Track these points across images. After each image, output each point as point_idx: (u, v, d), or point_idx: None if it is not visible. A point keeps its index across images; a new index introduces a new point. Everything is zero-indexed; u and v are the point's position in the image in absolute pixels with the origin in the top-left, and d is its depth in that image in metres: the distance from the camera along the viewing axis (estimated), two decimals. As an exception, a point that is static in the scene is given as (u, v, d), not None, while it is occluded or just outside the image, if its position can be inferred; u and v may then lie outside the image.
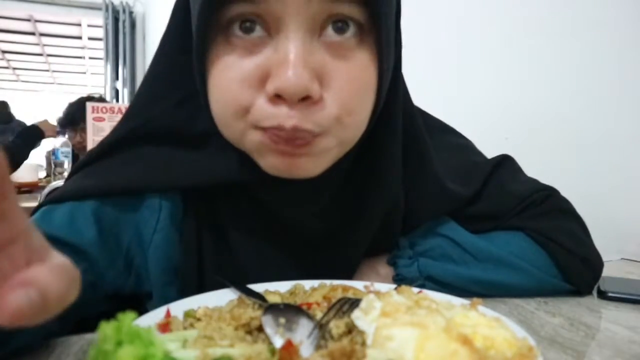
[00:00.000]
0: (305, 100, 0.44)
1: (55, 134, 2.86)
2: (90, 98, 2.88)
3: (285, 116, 0.44)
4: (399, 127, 0.59)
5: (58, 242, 0.53)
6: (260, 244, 0.60)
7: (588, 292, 0.68)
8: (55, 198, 0.57)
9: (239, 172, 0.55)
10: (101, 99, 3.15)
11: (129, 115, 0.60)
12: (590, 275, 0.67)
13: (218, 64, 0.47)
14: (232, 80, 0.46)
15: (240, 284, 0.52)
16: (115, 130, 0.60)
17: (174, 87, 0.57)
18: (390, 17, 0.50)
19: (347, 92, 0.46)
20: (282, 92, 0.43)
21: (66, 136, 2.71)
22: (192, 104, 0.56)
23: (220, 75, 0.47)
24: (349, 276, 0.64)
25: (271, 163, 0.49)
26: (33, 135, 2.76)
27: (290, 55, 0.43)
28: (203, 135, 0.57)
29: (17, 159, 2.59)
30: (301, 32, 0.43)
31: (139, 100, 0.60)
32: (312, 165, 0.49)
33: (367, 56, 0.47)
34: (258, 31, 0.45)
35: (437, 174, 0.65)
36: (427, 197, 0.65)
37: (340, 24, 0.46)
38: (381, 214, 0.61)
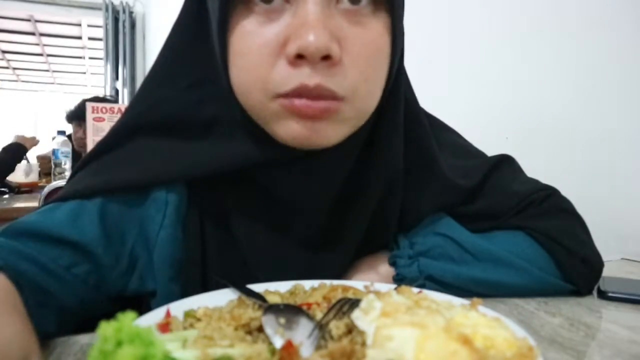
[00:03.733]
0: (326, 60, 0.45)
1: (35, 143, 2.94)
2: (104, 99, 2.93)
3: (308, 75, 0.45)
4: (401, 108, 0.60)
5: (59, 241, 0.53)
6: (263, 233, 0.60)
7: (588, 292, 0.68)
8: (61, 197, 0.57)
9: (248, 153, 0.55)
10: (115, 102, 3.19)
11: (138, 98, 0.60)
12: (591, 275, 0.67)
13: (238, 31, 0.48)
14: (252, 47, 0.47)
15: (240, 284, 0.52)
16: (122, 118, 0.60)
17: (184, 71, 0.58)
18: None
19: (364, 57, 0.48)
20: (303, 50, 0.44)
21: (64, 137, 2.71)
22: (202, 89, 0.57)
23: (241, 43, 0.48)
24: (348, 264, 0.64)
25: (291, 130, 0.49)
26: (17, 150, 2.84)
27: (310, 17, 0.44)
28: (211, 121, 0.57)
29: (3, 170, 2.66)
30: None
31: (148, 83, 0.60)
32: (332, 132, 0.50)
33: (382, 24, 0.49)
34: (277, 1, 0.47)
35: (439, 164, 0.65)
36: (428, 187, 0.65)
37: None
38: (379, 194, 0.61)
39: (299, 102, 0.47)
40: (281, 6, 0.47)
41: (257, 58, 0.47)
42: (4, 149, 2.81)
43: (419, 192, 0.65)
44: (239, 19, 0.48)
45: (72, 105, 2.95)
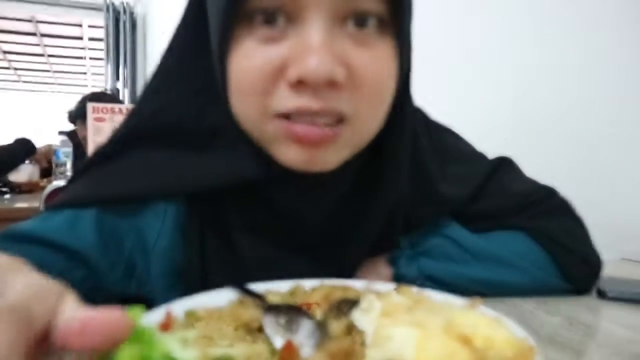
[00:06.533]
0: (330, 85, 0.44)
1: (47, 163, 2.92)
2: (104, 94, 2.93)
3: (310, 100, 0.44)
4: (409, 127, 0.59)
5: (55, 247, 0.53)
6: (264, 244, 0.60)
7: (587, 292, 0.68)
8: (58, 204, 0.57)
9: (248, 170, 0.54)
10: (116, 97, 3.18)
11: (138, 107, 0.59)
12: (590, 274, 0.67)
13: (239, 50, 0.47)
14: (253, 68, 0.46)
15: (240, 284, 0.52)
16: (123, 126, 0.60)
17: (185, 79, 0.57)
18: (410, 10, 0.50)
19: (369, 81, 0.47)
20: (304, 77, 0.43)
21: (64, 137, 2.71)
22: (203, 98, 0.55)
23: (241, 62, 0.47)
24: (351, 275, 0.64)
25: (290, 155, 0.48)
26: (27, 143, 2.82)
27: (313, 42, 0.43)
28: (212, 131, 0.56)
29: (9, 163, 2.64)
30: (324, 20, 0.44)
31: (148, 92, 0.59)
32: (331, 157, 0.49)
33: (388, 47, 0.48)
34: (280, 22, 0.45)
35: (433, 180, 0.65)
36: (425, 204, 0.65)
37: (361, 18, 0.46)
38: (386, 212, 0.61)
39: (299, 128, 0.46)
40: (284, 26, 0.45)
41: (257, 79, 0.46)
42: (18, 140, 2.80)
43: (416, 206, 0.64)
44: (240, 36, 0.46)
45: (72, 105, 2.93)
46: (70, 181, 0.62)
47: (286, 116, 0.46)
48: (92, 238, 0.55)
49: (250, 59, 0.46)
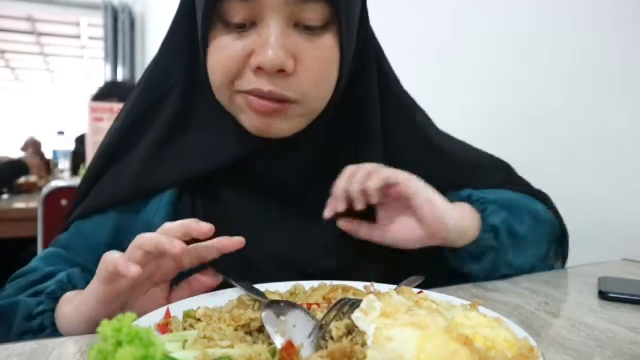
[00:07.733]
0: (281, 72, 0.57)
1: (44, 171, 2.92)
2: (124, 82, 2.93)
3: (264, 83, 0.57)
4: (374, 90, 0.70)
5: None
6: (250, 205, 0.67)
7: (564, 235, 0.76)
8: (86, 213, 0.68)
9: (233, 145, 0.65)
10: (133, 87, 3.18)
11: (133, 102, 0.69)
12: (557, 213, 0.76)
13: (215, 43, 0.60)
14: (224, 57, 0.59)
15: (241, 282, 0.52)
16: (119, 121, 0.69)
17: (175, 70, 0.67)
18: (351, 9, 0.61)
19: (315, 69, 0.59)
20: (262, 65, 0.56)
21: (63, 137, 2.71)
22: (192, 86, 0.67)
23: (216, 52, 0.60)
24: (335, 232, 0.67)
25: (251, 122, 0.61)
26: (18, 169, 2.84)
27: (271, 38, 0.56)
28: (200, 117, 0.67)
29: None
30: (280, 22, 0.56)
31: (142, 84, 0.70)
32: (284, 125, 0.62)
33: (332, 39, 0.60)
34: (247, 24, 0.58)
35: (417, 120, 0.74)
36: (409, 141, 0.73)
37: (308, 24, 0.58)
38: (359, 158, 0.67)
39: (255, 101, 0.58)
40: (250, 27, 0.58)
41: (226, 65, 0.59)
42: (5, 163, 2.82)
43: (401, 150, 0.71)
44: (216, 34, 0.59)
45: (94, 91, 2.92)
46: (86, 190, 0.70)
47: (246, 92, 0.59)
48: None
49: (223, 51, 0.59)
